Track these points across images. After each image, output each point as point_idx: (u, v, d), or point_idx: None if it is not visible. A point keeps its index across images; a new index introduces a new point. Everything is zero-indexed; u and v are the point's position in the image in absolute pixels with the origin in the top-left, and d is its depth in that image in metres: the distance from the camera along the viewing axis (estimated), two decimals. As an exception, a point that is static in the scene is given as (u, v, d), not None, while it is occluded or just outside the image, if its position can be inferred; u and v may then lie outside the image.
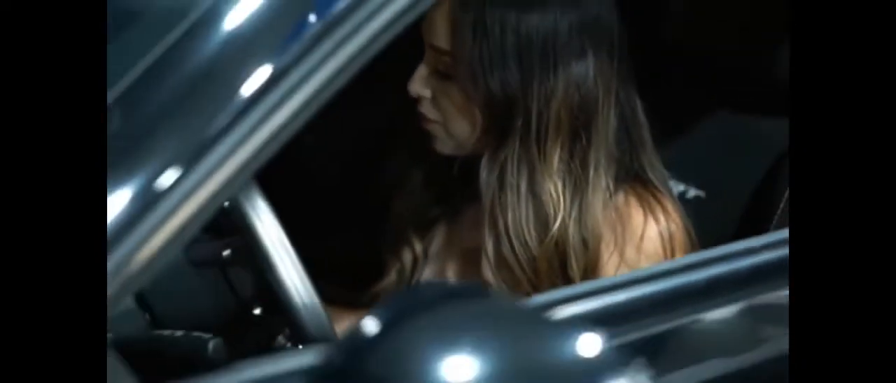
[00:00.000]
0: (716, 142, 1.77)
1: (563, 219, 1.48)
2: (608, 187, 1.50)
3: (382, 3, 1.14)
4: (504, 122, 1.48)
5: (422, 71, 1.53)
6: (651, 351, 1.26)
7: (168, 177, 1.02)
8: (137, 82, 1.09)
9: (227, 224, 1.29)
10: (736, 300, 1.30)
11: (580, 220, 1.48)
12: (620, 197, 1.52)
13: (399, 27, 1.15)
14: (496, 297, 0.99)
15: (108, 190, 1.01)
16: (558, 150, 1.48)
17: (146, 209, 1.02)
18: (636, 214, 1.52)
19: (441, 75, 1.52)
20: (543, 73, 1.47)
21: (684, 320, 1.30)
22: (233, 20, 1.12)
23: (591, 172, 1.49)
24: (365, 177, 1.83)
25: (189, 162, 1.04)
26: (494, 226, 1.49)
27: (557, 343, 0.92)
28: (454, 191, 1.64)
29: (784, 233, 1.40)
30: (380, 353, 0.91)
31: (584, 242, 1.48)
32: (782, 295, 1.37)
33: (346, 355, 0.93)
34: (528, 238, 1.48)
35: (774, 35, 1.75)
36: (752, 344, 1.36)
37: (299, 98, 1.10)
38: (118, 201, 1.01)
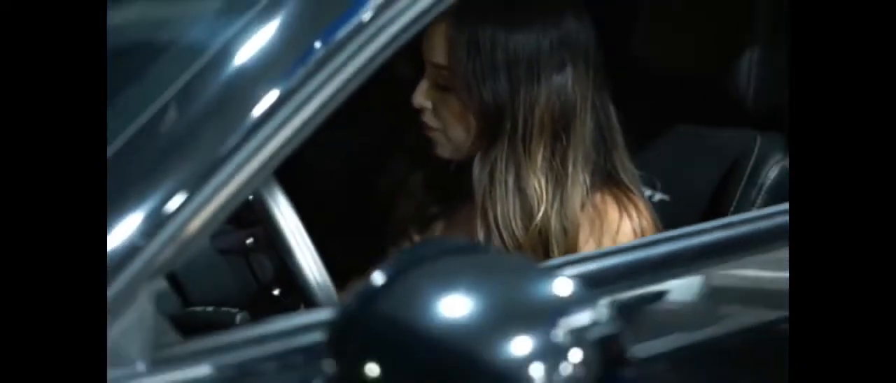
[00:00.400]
0: (678, 151, 1.89)
1: (546, 210, 1.62)
2: (585, 183, 1.65)
3: (378, 29, 1.26)
4: (495, 127, 1.63)
5: (423, 85, 1.69)
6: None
7: (187, 189, 1.16)
8: (163, 108, 1.21)
9: (249, 216, 1.42)
10: (696, 271, 1.45)
11: (561, 211, 1.63)
12: (598, 196, 1.67)
13: (393, 49, 1.28)
14: (486, 250, 1.15)
15: (133, 202, 1.15)
16: (541, 150, 1.63)
17: (165, 219, 1.15)
18: (612, 212, 1.67)
19: (440, 88, 1.67)
20: (528, 83, 1.62)
21: (650, 295, 1.43)
22: (246, 52, 1.24)
23: (570, 169, 1.64)
24: (368, 183, 1.96)
25: (206, 175, 1.18)
26: (485, 218, 1.63)
27: (537, 284, 1.06)
28: (451, 192, 1.77)
29: (738, 217, 1.58)
30: (388, 298, 1.05)
31: (565, 230, 1.62)
32: (740, 276, 1.52)
33: (360, 303, 1.06)
34: (514, 227, 1.61)
35: (729, 54, 1.89)
36: (711, 319, 1.49)
37: (303, 116, 1.23)
38: (142, 212, 1.14)
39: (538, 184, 1.63)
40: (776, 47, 1.90)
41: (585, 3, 1.75)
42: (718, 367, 1.49)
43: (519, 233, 1.62)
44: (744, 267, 1.52)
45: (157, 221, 1.14)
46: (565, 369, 1.02)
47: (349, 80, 1.25)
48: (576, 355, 1.02)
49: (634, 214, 1.68)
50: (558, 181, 1.64)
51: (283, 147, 1.22)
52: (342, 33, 1.25)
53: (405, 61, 1.96)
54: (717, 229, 1.49)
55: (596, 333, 1.04)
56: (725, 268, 1.50)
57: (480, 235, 1.64)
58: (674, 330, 1.46)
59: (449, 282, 1.04)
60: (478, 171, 1.65)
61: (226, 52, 1.25)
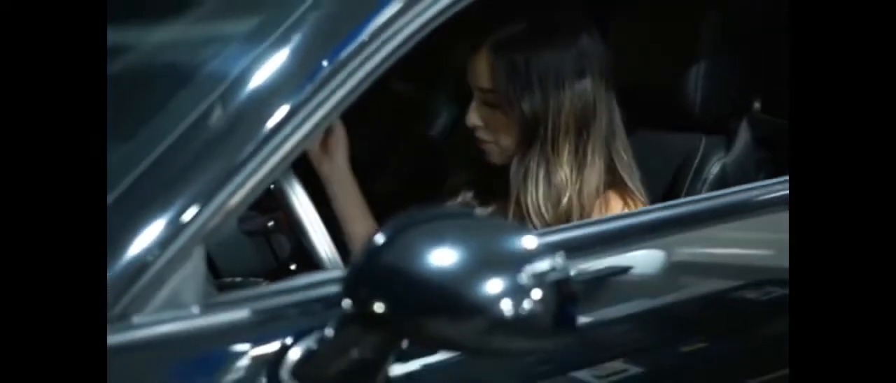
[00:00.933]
0: (637, 152, 2.04)
1: (571, 195, 1.88)
2: (600, 169, 1.91)
3: (375, 49, 1.42)
4: (533, 132, 1.90)
5: (473, 106, 1.95)
6: (590, 291, 1.57)
7: (209, 192, 1.34)
8: (192, 125, 1.37)
9: (270, 203, 1.60)
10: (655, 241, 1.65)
11: (581, 191, 1.90)
12: (609, 193, 1.94)
13: (387, 66, 1.44)
14: (468, 214, 1.32)
15: (169, 203, 1.31)
16: (567, 145, 1.90)
17: (215, 193, 1.33)
18: (616, 205, 1.93)
19: (487, 106, 1.94)
20: (556, 92, 1.89)
21: (617, 267, 1.59)
22: (262, 75, 1.40)
23: (589, 158, 1.91)
24: (366, 186, 2.13)
25: (226, 179, 1.34)
26: (518, 206, 1.90)
27: (508, 239, 1.22)
28: (488, 190, 2.03)
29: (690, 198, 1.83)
30: (389, 251, 1.21)
31: (582, 206, 1.89)
32: (698, 252, 1.71)
33: (366, 257, 1.22)
34: (544, 212, 1.88)
35: (679, 69, 2.11)
36: (670, 288, 1.67)
37: (309, 126, 1.39)
38: (176, 209, 1.32)
39: (565, 174, 1.89)
40: (718, 63, 2.14)
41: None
42: (674, 329, 1.68)
43: (548, 216, 1.88)
44: (700, 244, 1.72)
45: (208, 195, 1.35)
46: (528, 304, 1.20)
47: (350, 93, 1.41)
48: (537, 294, 1.20)
49: (633, 209, 1.93)
50: (580, 169, 1.91)
51: (291, 153, 1.39)
52: (346, 52, 1.41)
53: (398, 78, 2.18)
54: (672, 207, 1.73)
55: (552, 277, 1.21)
56: (682, 242, 1.69)
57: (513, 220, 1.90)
58: (637, 297, 1.64)
59: (438, 238, 1.23)
60: (514, 170, 1.92)
61: (245, 75, 1.41)
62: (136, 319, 1.29)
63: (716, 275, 1.75)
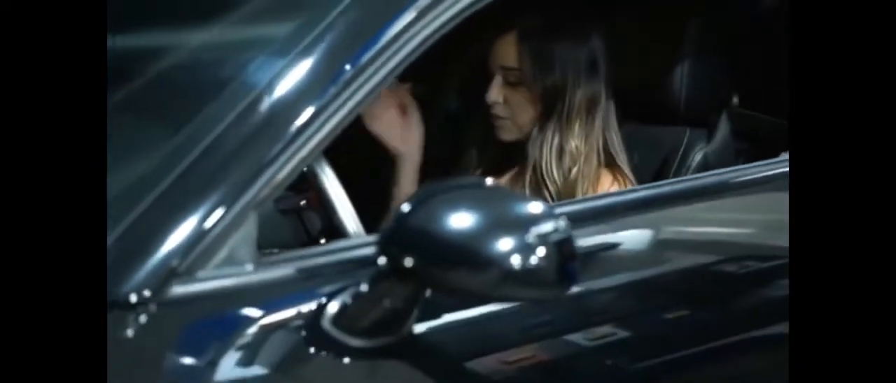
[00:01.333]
0: (629, 143, 2.22)
1: (580, 166, 2.11)
2: (599, 148, 2.14)
3: (395, 51, 1.53)
4: (552, 108, 2.14)
5: (496, 84, 2.18)
6: (583, 264, 1.58)
7: (241, 187, 1.46)
8: (227, 128, 1.49)
9: (302, 184, 1.69)
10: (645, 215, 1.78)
11: (587, 163, 2.12)
12: (602, 170, 2.15)
13: (402, 68, 1.55)
14: (485, 183, 1.47)
15: (204, 194, 1.43)
16: (578, 123, 2.14)
17: (245, 190, 1.45)
18: (606, 181, 2.15)
19: (509, 85, 2.17)
20: (574, 75, 2.14)
21: (605, 243, 1.71)
22: (288, 82, 1.50)
23: (596, 133, 2.14)
24: (378, 181, 2.31)
25: (255, 175, 1.46)
26: (534, 174, 2.13)
27: (517, 204, 1.38)
28: (500, 167, 2.24)
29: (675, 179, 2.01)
30: (415, 216, 1.36)
31: (585, 176, 2.11)
32: (681, 230, 1.83)
33: (396, 221, 1.37)
34: (557, 178, 2.11)
35: (664, 70, 2.28)
36: (654, 262, 1.79)
37: (331, 125, 1.50)
38: (211, 202, 1.44)
39: (575, 145, 2.12)
40: (701, 63, 2.31)
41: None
42: (658, 298, 1.79)
43: (560, 182, 2.11)
44: (683, 222, 1.84)
45: (237, 193, 1.49)
46: (534, 260, 1.34)
47: (368, 94, 1.53)
48: (541, 251, 1.34)
49: (623, 185, 2.14)
50: (587, 141, 2.14)
51: (314, 150, 1.51)
52: (367, 56, 1.52)
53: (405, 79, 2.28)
54: (661, 186, 1.93)
55: (555, 237, 1.36)
56: (667, 220, 1.80)
57: (528, 187, 2.13)
58: (624, 270, 1.75)
59: (456, 204, 1.37)
60: (533, 138, 2.16)
61: (274, 82, 1.52)
62: (200, 274, 1.46)
63: (697, 250, 1.86)
